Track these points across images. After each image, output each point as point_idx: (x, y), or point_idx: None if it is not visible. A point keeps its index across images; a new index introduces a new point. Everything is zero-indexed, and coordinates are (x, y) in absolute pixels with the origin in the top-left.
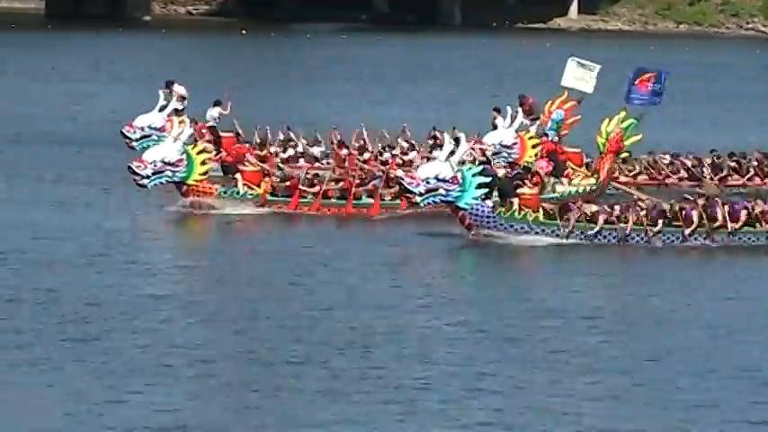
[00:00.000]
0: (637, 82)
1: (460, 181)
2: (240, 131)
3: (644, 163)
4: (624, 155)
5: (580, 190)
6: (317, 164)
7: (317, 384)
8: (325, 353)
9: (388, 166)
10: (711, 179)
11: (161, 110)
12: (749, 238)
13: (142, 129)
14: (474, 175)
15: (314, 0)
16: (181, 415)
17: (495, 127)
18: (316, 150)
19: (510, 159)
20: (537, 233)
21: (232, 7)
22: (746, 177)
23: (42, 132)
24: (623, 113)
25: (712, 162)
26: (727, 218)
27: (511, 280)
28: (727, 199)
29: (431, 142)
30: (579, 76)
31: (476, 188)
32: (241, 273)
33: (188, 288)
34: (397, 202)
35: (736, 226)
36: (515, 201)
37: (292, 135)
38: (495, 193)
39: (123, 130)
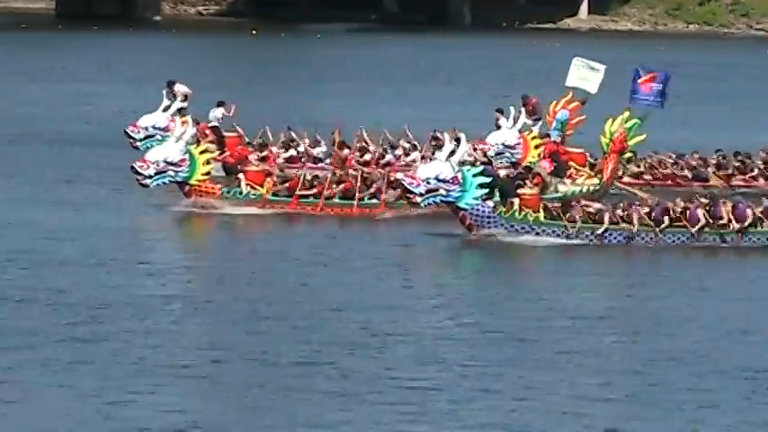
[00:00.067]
0: (640, 82)
1: (461, 181)
2: (241, 133)
3: (648, 162)
4: (628, 155)
5: (584, 190)
6: (319, 164)
7: (325, 385)
8: (333, 353)
9: (388, 169)
10: (718, 176)
11: (165, 110)
12: (759, 239)
13: (146, 129)
14: (474, 176)
15: (324, 0)
16: (190, 416)
17: (498, 128)
18: (317, 151)
19: (513, 159)
20: (537, 233)
21: (242, 7)
22: (750, 176)
23: (52, 132)
24: (627, 113)
25: (717, 162)
26: (732, 217)
27: (514, 280)
28: (732, 199)
29: (433, 143)
30: (584, 76)
31: (476, 188)
32: (247, 273)
33: (195, 288)
34: (400, 202)
35: (744, 225)
36: (516, 201)
37: (294, 135)
38: (497, 194)
39: (127, 130)
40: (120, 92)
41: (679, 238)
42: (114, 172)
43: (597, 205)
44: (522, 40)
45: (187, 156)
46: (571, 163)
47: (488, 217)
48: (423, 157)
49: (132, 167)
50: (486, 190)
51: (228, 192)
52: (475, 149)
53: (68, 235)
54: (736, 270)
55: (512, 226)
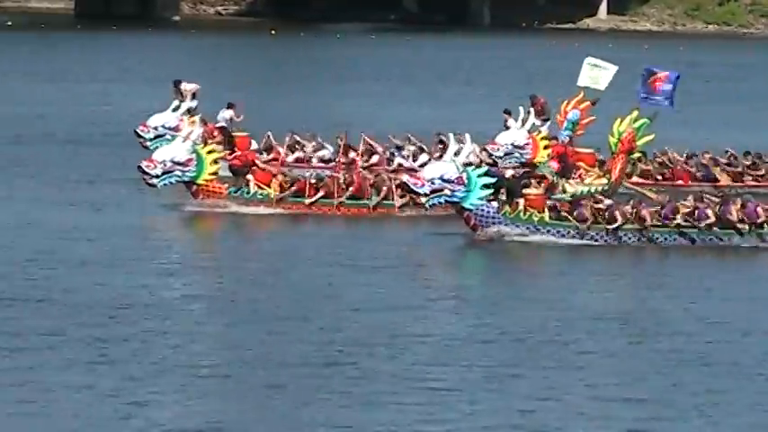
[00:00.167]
0: (649, 82)
1: (465, 181)
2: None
3: (658, 162)
4: (637, 155)
5: (592, 190)
6: (330, 164)
7: (343, 385)
8: (351, 354)
9: (395, 174)
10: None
11: (174, 110)
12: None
13: (156, 128)
14: (479, 176)
15: (343, 0)
16: (209, 416)
17: (507, 128)
18: (323, 153)
19: (522, 160)
20: (542, 234)
21: (261, 7)
22: (758, 175)
23: (71, 133)
24: (635, 113)
25: (728, 161)
26: (743, 217)
27: (526, 281)
28: (743, 198)
29: (440, 147)
30: (595, 75)
31: (481, 189)
32: (263, 273)
33: (213, 289)
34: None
35: (754, 224)
36: (521, 201)
37: (298, 138)
38: (504, 194)
39: (137, 130)
40: (138, 92)
41: (688, 238)
42: (133, 172)
43: (607, 201)
44: (541, 41)
45: (194, 155)
46: (580, 163)
47: (493, 217)
48: (430, 160)
49: (139, 167)
50: (491, 190)
51: (236, 192)
52: (484, 150)
53: (87, 235)
54: (748, 270)
55: (517, 226)
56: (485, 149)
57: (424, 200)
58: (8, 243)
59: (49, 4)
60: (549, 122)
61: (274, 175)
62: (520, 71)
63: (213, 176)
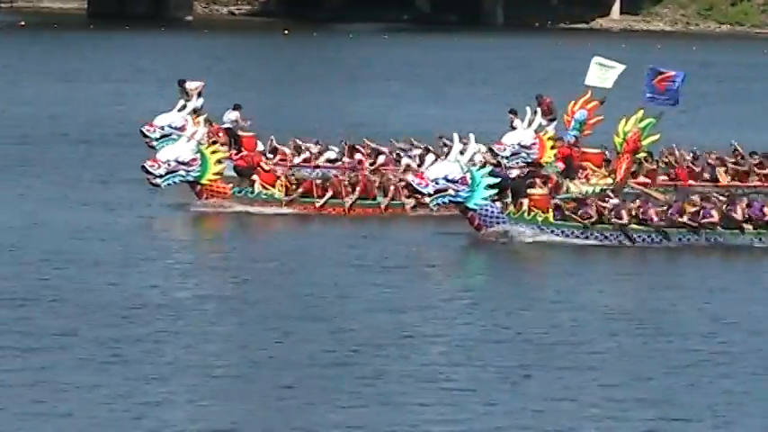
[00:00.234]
0: (654, 82)
1: (469, 181)
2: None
3: (664, 161)
4: (642, 154)
5: (597, 190)
6: (336, 164)
7: (355, 386)
8: (364, 354)
9: (401, 175)
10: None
11: (181, 109)
12: None
13: (162, 128)
14: (483, 176)
15: (356, 0)
16: (222, 417)
17: (513, 128)
18: (328, 154)
19: (529, 160)
20: (547, 234)
21: (274, 7)
22: (763, 174)
23: (84, 133)
24: (641, 113)
25: (735, 161)
26: (751, 217)
27: (530, 280)
28: (749, 198)
29: (446, 150)
30: (602, 75)
31: (485, 189)
32: (275, 273)
33: (226, 289)
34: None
35: (761, 224)
36: (525, 201)
37: (299, 143)
38: (508, 194)
39: (143, 129)
40: (151, 92)
41: (696, 238)
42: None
43: (614, 201)
44: (554, 41)
45: (198, 155)
46: (587, 164)
47: (497, 217)
48: (437, 159)
49: (143, 167)
50: (496, 190)
51: (239, 192)
52: (490, 150)
53: (100, 235)
54: (758, 269)
55: (521, 226)
56: (491, 149)
57: (428, 200)
58: (21, 243)
59: (62, 3)
60: (555, 122)
61: (278, 177)
62: (532, 71)
63: (217, 176)
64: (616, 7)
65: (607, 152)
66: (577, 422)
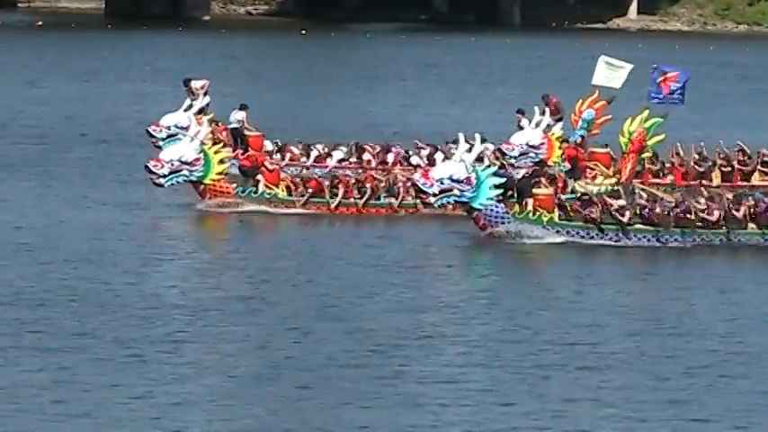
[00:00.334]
0: (659, 81)
1: (474, 182)
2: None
3: (670, 161)
4: (647, 154)
5: (602, 190)
6: (343, 164)
7: (373, 387)
8: (381, 354)
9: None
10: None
11: (187, 109)
12: None
13: (168, 128)
14: (489, 176)
15: (373, 0)
16: (242, 418)
17: (520, 128)
18: (337, 154)
19: (537, 159)
20: (552, 233)
21: (291, 7)
22: None
23: (102, 133)
24: (646, 113)
25: (740, 160)
26: (756, 216)
27: (543, 280)
28: (754, 197)
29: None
30: (610, 74)
31: (490, 189)
32: (290, 273)
33: (244, 290)
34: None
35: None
36: (530, 201)
37: (300, 149)
38: (513, 194)
39: (149, 129)
40: (169, 92)
41: (703, 237)
42: None
43: (621, 201)
44: (571, 41)
45: (202, 155)
46: (597, 164)
47: (502, 217)
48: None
49: (146, 166)
50: (501, 190)
51: (243, 191)
52: (498, 150)
53: (118, 235)
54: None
55: (526, 226)
56: (499, 149)
57: (432, 200)
58: (40, 243)
59: (80, 3)
60: (562, 122)
61: (282, 178)
62: (549, 71)
63: (220, 176)
64: (633, 7)
65: (612, 152)
66: (596, 423)
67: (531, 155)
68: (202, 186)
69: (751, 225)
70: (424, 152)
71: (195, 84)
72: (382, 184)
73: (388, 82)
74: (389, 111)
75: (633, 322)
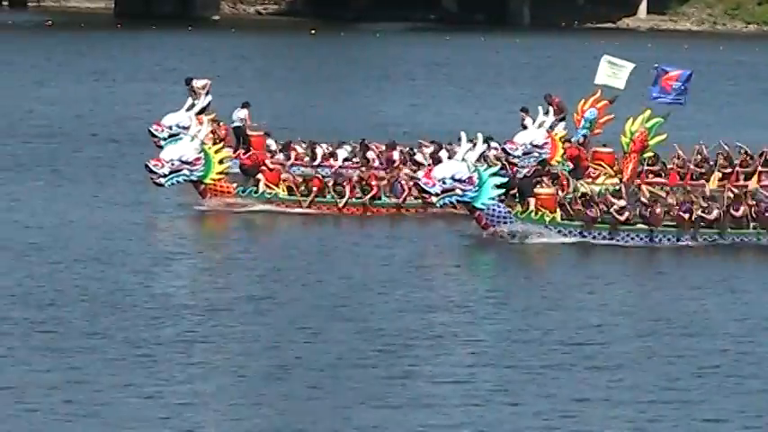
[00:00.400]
0: (661, 81)
1: (476, 181)
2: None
3: (674, 161)
4: (648, 154)
5: (603, 190)
6: (347, 163)
7: (382, 386)
8: (391, 354)
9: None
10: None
11: (189, 108)
12: None
13: (170, 128)
14: (491, 176)
15: (383, 0)
16: (252, 418)
17: (524, 128)
18: (341, 153)
19: (541, 159)
20: (554, 233)
21: (301, 7)
22: None
23: (112, 132)
24: (647, 113)
25: (742, 160)
26: (756, 216)
27: (551, 280)
28: (756, 197)
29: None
30: (611, 74)
31: (492, 188)
32: (299, 273)
33: (254, 290)
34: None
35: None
36: (532, 201)
37: (304, 147)
38: (515, 194)
39: (151, 129)
40: (178, 92)
41: (704, 237)
42: None
43: (622, 202)
44: (580, 40)
45: (202, 155)
46: (601, 163)
47: (504, 217)
48: (449, 157)
49: (147, 166)
50: (503, 190)
51: (244, 191)
52: (502, 149)
53: (129, 235)
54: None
55: (528, 226)
56: (503, 149)
57: (434, 200)
58: (50, 243)
59: (89, 3)
60: (564, 121)
61: (285, 179)
62: (559, 71)
63: (221, 176)
64: (643, 7)
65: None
66: (606, 423)
67: (535, 154)
68: (203, 186)
69: (753, 224)
70: (427, 150)
71: (197, 83)
72: (384, 183)
73: (397, 82)
74: (399, 110)
75: (642, 322)
